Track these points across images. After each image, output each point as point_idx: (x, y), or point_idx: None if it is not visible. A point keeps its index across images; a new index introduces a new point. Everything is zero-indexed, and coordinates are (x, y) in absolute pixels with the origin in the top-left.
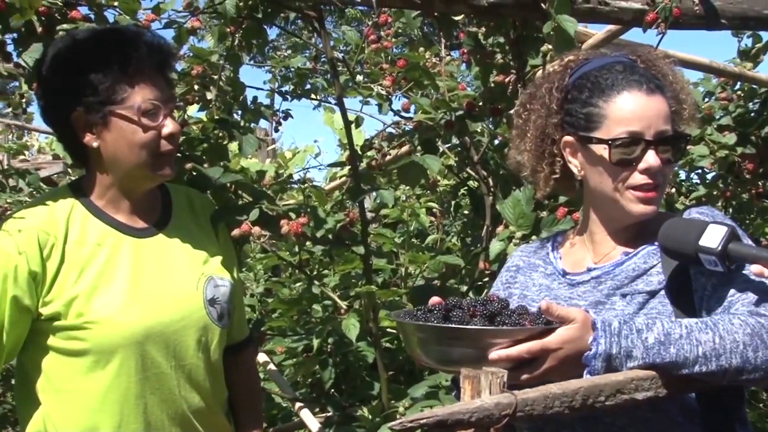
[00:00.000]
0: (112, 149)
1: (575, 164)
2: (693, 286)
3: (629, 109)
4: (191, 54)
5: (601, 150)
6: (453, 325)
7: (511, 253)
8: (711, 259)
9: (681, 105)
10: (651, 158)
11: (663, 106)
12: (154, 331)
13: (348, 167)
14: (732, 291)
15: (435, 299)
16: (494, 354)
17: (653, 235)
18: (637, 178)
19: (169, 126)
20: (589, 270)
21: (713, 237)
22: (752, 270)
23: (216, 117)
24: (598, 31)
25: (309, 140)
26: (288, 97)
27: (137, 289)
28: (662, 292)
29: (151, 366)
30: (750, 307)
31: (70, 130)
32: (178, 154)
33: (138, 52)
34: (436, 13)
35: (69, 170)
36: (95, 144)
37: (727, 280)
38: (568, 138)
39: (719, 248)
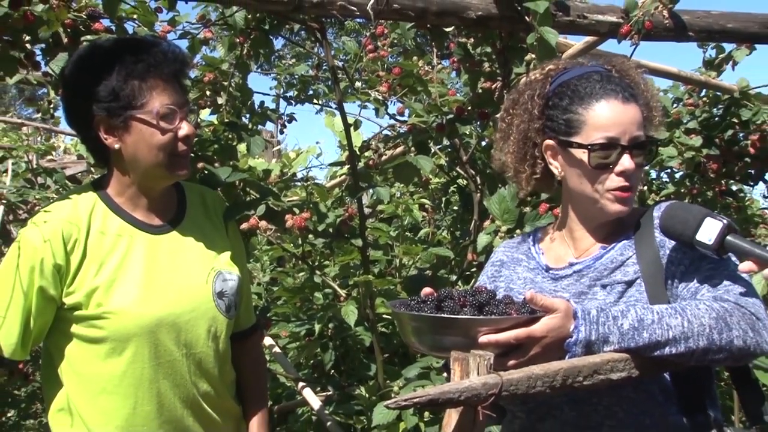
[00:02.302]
0: (132, 151)
1: (555, 166)
2: (664, 275)
3: (606, 116)
4: (204, 62)
5: (581, 154)
6: (445, 315)
7: (496, 246)
8: (706, 251)
9: (651, 112)
10: (626, 162)
11: (637, 113)
12: (166, 322)
13: (347, 166)
14: (698, 278)
15: (427, 290)
16: (484, 338)
17: (628, 229)
18: (614, 180)
19: (184, 128)
20: (571, 265)
21: (709, 232)
22: (742, 267)
23: (226, 120)
24: (577, 42)
25: (311, 142)
26: (292, 101)
27: (151, 282)
28: (638, 281)
29: (163, 353)
30: (715, 293)
31: (92, 133)
32: (192, 154)
33: (156, 60)
34: (428, 25)
35: (92, 169)
36: (116, 146)
37: (694, 268)
38: (549, 141)
39: (714, 244)
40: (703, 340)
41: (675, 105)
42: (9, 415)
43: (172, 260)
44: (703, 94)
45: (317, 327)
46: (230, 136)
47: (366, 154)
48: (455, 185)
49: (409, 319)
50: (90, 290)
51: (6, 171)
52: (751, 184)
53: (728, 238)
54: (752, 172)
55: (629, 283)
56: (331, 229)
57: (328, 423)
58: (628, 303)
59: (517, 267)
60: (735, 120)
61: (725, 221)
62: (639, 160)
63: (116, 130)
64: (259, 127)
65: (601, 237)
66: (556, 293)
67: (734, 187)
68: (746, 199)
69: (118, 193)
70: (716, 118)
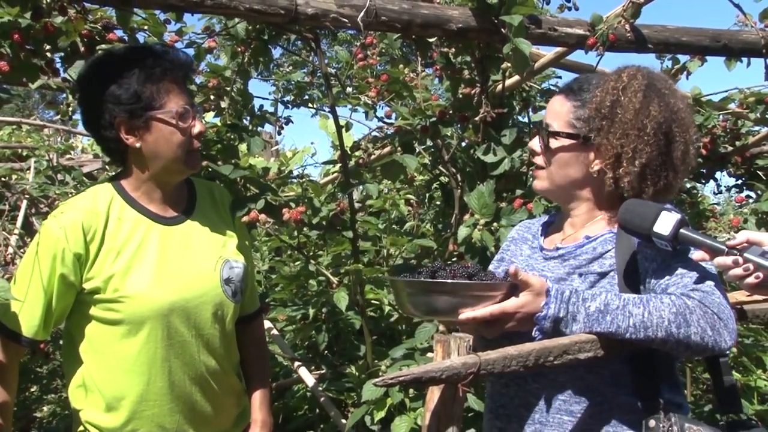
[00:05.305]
0: (152, 148)
1: None
2: (638, 269)
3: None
4: (208, 69)
5: None
6: (457, 281)
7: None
8: (662, 242)
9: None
10: (533, 142)
11: (557, 105)
12: (177, 306)
13: (339, 165)
14: (668, 275)
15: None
16: (463, 315)
17: (614, 222)
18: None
19: (197, 126)
20: (558, 249)
21: (665, 224)
22: (695, 255)
23: (228, 122)
24: (548, 52)
25: (306, 142)
26: (289, 105)
27: (164, 269)
28: (612, 273)
29: (174, 334)
30: (684, 290)
31: (111, 133)
32: None
33: (171, 65)
34: (413, 36)
35: (107, 167)
36: (137, 144)
37: (666, 265)
38: None
39: (670, 235)
40: (661, 331)
41: None
42: (32, 390)
43: (183, 249)
44: None
45: (311, 311)
46: (232, 136)
47: (356, 153)
48: (438, 182)
49: (405, 285)
50: (108, 276)
51: (29, 168)
52: (703, 182)
53: (682, 230)
54: (704, 171)
55: (603, 275)
56: (324, 222)
57: (322, 398)
58: (601, 289)
59: (523, 245)
60: None
61: (680, 215)
62: (549, 143)
63: (137, 129)
64: (259, 128)
65: (588, 226)
66: (543, 272)
67: (688, 185)
68: (699, 195)
69: (134, 188)
70: None
